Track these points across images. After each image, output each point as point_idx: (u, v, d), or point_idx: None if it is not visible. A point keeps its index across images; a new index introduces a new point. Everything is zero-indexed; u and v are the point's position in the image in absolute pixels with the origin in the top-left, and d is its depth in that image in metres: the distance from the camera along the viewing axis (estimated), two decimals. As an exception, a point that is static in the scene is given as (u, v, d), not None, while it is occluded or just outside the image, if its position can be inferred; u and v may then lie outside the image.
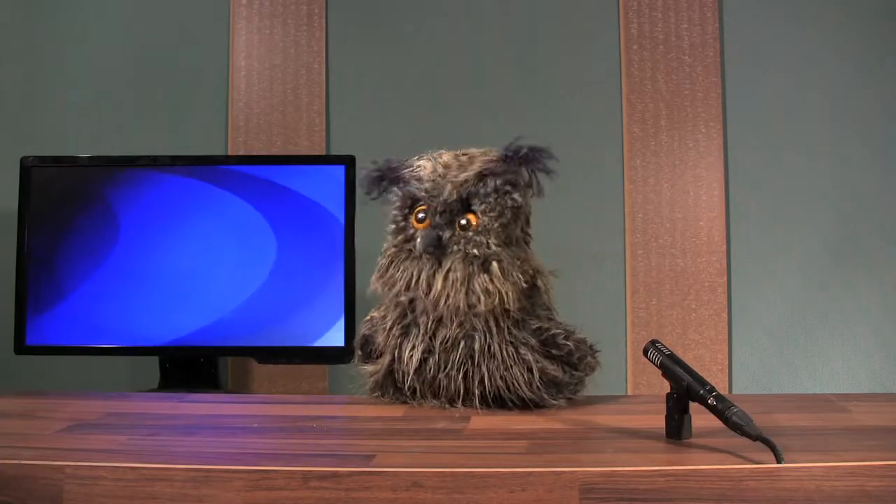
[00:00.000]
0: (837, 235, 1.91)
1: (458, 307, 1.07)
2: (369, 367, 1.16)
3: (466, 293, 1.07)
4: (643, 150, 1.94)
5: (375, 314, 1.17)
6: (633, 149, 1.94)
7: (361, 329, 1.19)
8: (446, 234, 1.09)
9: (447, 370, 1.08)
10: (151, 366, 1.78)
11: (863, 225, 1.91)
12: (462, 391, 1.08)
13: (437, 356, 1.09)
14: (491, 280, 1.07)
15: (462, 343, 1.08)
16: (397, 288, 1.10)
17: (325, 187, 1.73)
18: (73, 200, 1.73)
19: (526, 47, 1.98)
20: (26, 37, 2.02)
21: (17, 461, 0.81)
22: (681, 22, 1.95)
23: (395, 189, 1.14)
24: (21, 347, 1.71)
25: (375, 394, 1.17)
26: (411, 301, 1.11)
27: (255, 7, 2.00)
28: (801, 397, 1.28)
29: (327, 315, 1.70)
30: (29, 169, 1.74)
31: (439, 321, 1.09)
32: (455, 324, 1.08)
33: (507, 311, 1.08)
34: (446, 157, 1.13)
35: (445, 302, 1.07)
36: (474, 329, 1.08)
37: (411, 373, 1.10)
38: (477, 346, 1.07)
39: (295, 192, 1.73)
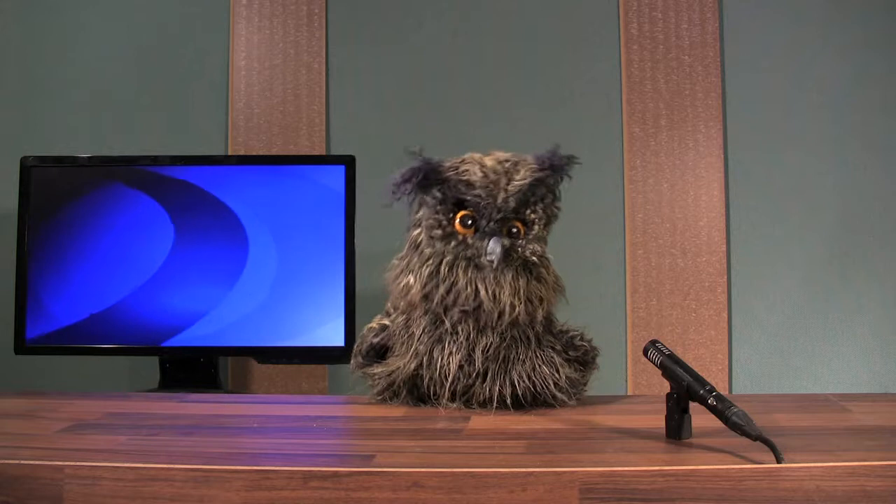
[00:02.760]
0: (837, 235, 1.91)
1: (518, 315, 1.06)
2: (379, 369, 1.14)
3: (526, 302, 1.07)
4: (643, 150, 1.94)
5: (388, 322, 1.15)
6: (633, 149, 1.94)
7: (368, 337, 1.16)
8: (506, 242, 1.08)
9: (485, 378, 1.08)
10: (151, 366, 1.78)
11: (863, 225, 1.91)
12: (494, 396, 1.08)
13: (476, 365, 1.08)
14: (541, 287, 1.08)
15: (503, 353, 1.08)
16: (463, 297, 1.06)
17: (325, 187, 1.73)
18: (73, 200, 1.73)
19: (526, 47, 1.98)
20: (26, 37, 2.02)
21: (17, 461, 0.81)
22: (681, 22, 1.95)
23: (435, 191, 1.10)
24: (21, 347, 1.71)
25: (382, 396, 1.14)
26: (446, 309, 1.08)
27: (255, 7, 2.00)
28: (801, 397, 1.28)
29: (327, 315, 1.70)
30: (29, 169, 1.74)
31: (479, 330, 1.08)
32: (496, 333, 1.07)
33: (540, 318, 1.09)
34: (490, 161, 1.10)
35: (511, 313, 1.06)
36: (513, 338, 1.08)
37: (448, 380, 1.08)
38: (513, 353, 1.08)
39: (295, 192, 1.73)
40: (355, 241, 1.71)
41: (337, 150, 1.96)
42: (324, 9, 2.00)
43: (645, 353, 0.97)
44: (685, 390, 0.91)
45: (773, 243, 1.92)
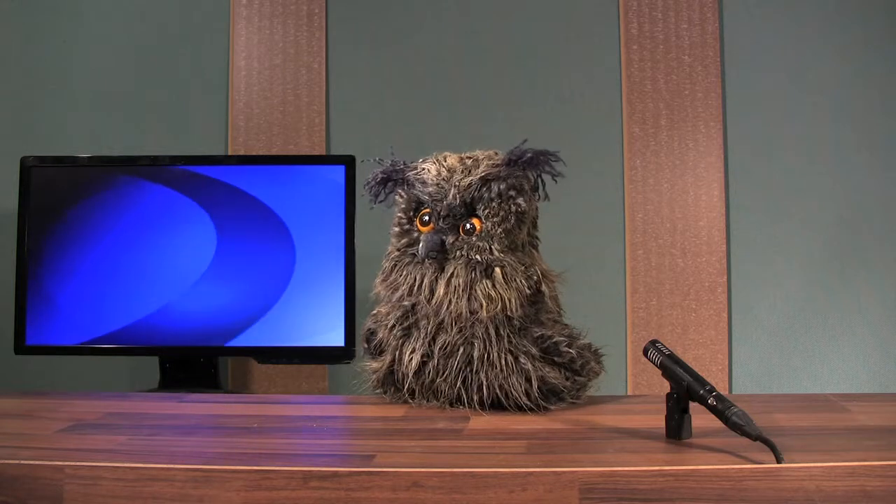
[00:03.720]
0: (837, 235, 1.91)
1: (461, 313, 1.07)
2: (373, 365, 1.16)
3: (469, 299, 1.06)
4: (643, 150, 1.94)
5: (382, 310, 1.17)
6: (633, 149, 1.94)
7: (367, 322, 1.19)
8: (449, 239, 1.09)
9: (445, 375, 1.08)
10: (151, 366, 1.78)
11: (863, 225, 1.91)
12: (461, 396, 1.08)
13: (435, 361, 1.09)
14: (493, 286, 1.06)
15: (461, 350, 1.08)
16: (400, 293, 1.10)
17: (325, 187, 1.73)
18: (73, 200, 1.73)
19: (526, 47, 1.98)
20: (26, 37, 2.02)
21: (17, 461, 0.81)
22: (681, 22, 1.95)
23: (401, 192, 1.14)
24: (21, 347, 1.71)
25: (378, 390, 1.17)
26: (413, 304, 1.11)
27: (255, 7, 2.00)
28: (801, 397, 1.28)
29: (327, 315, 1.70)
30: (29, 169, 1.74)
31: (440, 326, 1.09)
32: (455, 330, 1.08)
33: (509, 318, 1.07)
34: (451, 159, 1.12)
35: (448, 308, 1.07)
36: (474, 336, 1.07)
37: (410, 375, 1.11)
38: (476, 353, 1.07)
39: (295, 192, 1.73)
40: (355, 241, 1.71)
41: (337, 150, 1.96)
42: (324, 9, 2.00)
43: (645, 353, 0.97)
44: (685, 390, 0.91)
45: (773, 243, 1.92)
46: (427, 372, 1.10)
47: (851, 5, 1.93)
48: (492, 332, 1.07)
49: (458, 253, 1.08)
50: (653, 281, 1.92)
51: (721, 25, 1.95)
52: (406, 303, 1.11)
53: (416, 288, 1.09)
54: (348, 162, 1.73)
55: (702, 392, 0.89)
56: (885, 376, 1.88)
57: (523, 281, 1.08)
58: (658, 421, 0.93)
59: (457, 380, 1.08)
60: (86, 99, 2.01)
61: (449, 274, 1.07)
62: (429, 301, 1.08)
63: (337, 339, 1.70)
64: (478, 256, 1.07)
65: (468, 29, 2.00)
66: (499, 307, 1.06)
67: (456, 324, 1.07)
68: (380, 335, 1.15)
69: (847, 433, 0.95)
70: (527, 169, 1.09)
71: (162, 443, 0.94)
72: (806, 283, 1.91)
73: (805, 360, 1.90)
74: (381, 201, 1.16)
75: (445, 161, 1.12)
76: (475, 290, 1.06)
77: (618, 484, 0.77)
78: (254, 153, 1.96)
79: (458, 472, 0.78)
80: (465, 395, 1.08)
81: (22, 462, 0.81)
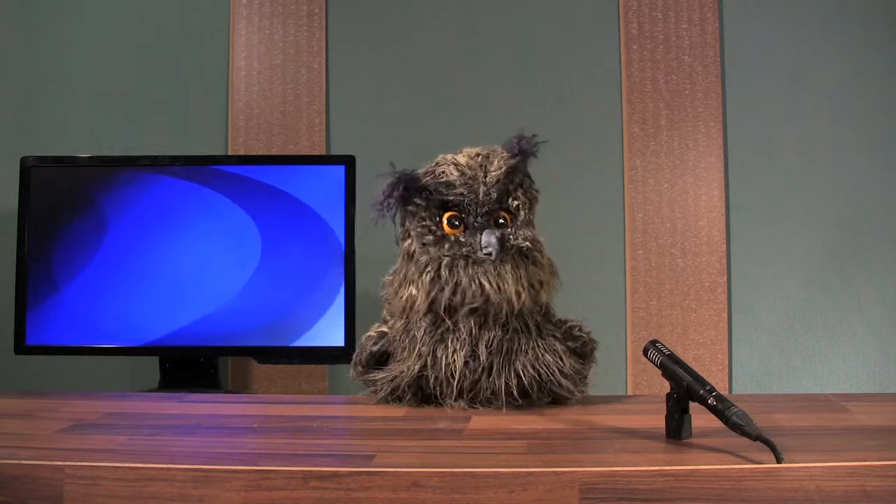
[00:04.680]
0: (837, 235, 1.91)
1: (525, 303, 1.07)
2: (381, 375, 1.13)
3: (529, 288, 1.08)
4: (643, 150, 1.94)
5: (386, 329, 1.15)
6: (633, 149, 1.94)
7: (367, 346, 1.15)
8: (497, 233, 1.09)
9: (491, 371, 1.08)
10: (151, 366, 1.78)
11: (863, 225, 1.91)
12: (501, 390, 1.08)
13: (481, 360, 1.08)
14: (541, 272, 1.10)
15: (506, 345, 1.08)
16: (469, 295, 1.07)
17: (325, 187, 1.73)
18: (73, 200, 1.73)
19: (526, 47, 1.98)
20: (26, 37, 2.02)
21: (17, 461, 0.81)
22: (681, 22, 1.95)
23: (418, 199, 1.12)
24: (21, 347, 1.71)
25: (386, 401, 1.14)
26: (454, 310, 1.08)
27: (255, 7, 2.00)
28: (801, 397, 1.28)
29: (327, 315, 1.70)
30: (29, 169, 1.74)
31: (482, 324, 1.08)
32: (498, 326, 1.08)
33: (543, 305, 1.10)
34: (462, 159, 1.12)
35: (518, 301, 1.07)
36: (515, 329, 1.09)
37: (456, 378, 1.08)
38: (516, 345, 1.08)
39: (295, 192, 1.73)
40: (355, 241, 1.71)
41: (337, 150, 1.96)
42: (324, 9, 2.00)
43: (645, 353, 0.97)
44: (685, 390, 0.91)
45: (773, 243, 1.92)
46: (469, 372, 1.08)
47: (851, 5, 1.93)
48: (529, 321, 1.09)
49: (507, 244, 1.09)
50: (653, 281, 1.92)
51: (721, 25, 1.95)
52: (474, 304, 1.07)
53: (486, 287, 1.06)
54: (348, 162, 1.73)
55: (702, 392, 0.89)
56: (885, 376, 1.88)
57: (552, 265, 1.12)
58: (658, 421, 0.93)
59: (500, 375, 1.08)
60: (86, 99, 2.01)
61: (509, 267, 1.08)
62: (499, 295, 1.06)
63: (337, 339, 1.70)
64: (527, 243, 1.10)
65: (468, 29, 2.00)
66: (546, 292, 1.10)
67: (499, 318, 1.07)
68: (394, 353, 1.12)
69: (847, 433, 0.95)
70: (531, 156, 1.12)
71: (162, 443, 0.94)
72: (806, 283, 1.91)
73: (805, 360, 1.90)
74: (391, 210, 1.12)
75: (460, 161, 1.11)
76: (532, 279, 1.08)
77: (618, 484, 0.77)
78: (254, 153, 1.96)
79: (458, 472, 0.78)
80: (505, 386, 1.08)
81: (22, 462, 0.81)
